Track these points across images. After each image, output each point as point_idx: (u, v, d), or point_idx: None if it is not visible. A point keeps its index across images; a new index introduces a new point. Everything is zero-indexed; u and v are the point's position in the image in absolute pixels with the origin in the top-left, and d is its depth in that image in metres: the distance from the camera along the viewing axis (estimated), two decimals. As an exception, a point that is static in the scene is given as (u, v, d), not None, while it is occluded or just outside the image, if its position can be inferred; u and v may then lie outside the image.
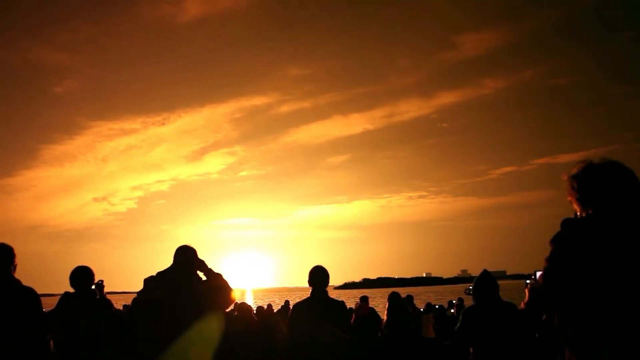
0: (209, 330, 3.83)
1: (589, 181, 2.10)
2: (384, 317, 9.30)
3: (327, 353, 4.30)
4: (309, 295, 4.59)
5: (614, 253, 1.96)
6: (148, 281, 5.42)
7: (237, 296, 4.28)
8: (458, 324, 4.47)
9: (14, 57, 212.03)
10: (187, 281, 3.96)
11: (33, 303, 3.98)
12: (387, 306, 9.11)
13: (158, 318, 3.84)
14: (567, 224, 2.15)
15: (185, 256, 4.05)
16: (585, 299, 1.97)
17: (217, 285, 4.03)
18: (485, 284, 4.45)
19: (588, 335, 1.96)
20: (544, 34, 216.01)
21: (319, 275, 4.54)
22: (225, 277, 4.13)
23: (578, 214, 2.15)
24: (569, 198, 2.17)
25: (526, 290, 2.16)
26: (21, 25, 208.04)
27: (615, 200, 2.03)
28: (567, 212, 2.26)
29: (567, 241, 2.06)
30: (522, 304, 2.26)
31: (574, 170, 2.15)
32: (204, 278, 4.07)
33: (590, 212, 2.09)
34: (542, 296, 2.12)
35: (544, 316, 2.76)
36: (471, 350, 4.39)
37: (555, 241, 2.08)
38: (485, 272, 4.55)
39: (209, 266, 4.11)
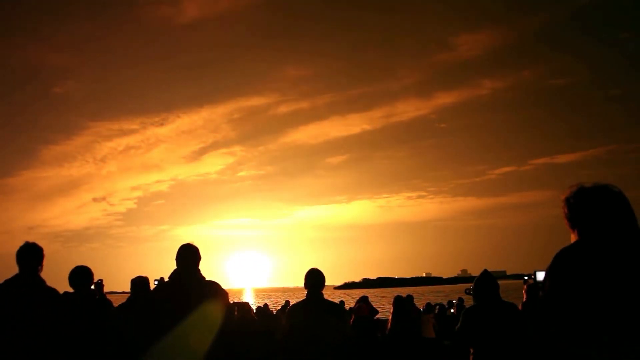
0: (209, 316, 3.86)
1: (577, 206, 2.11)
2: (388, 318, 9.31)
3: (326, 353, 4.32)
4: (304, 298, 4.61)
5: (603, 280, 1.95)
6: (137, 283, 5.45)
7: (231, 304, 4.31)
8: (458, 324, 4.46)
9: (14, 57, 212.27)
10: (189, 279, 3.97)
11: (54, 304, 4.03)
12: (391, 310, 9.12)
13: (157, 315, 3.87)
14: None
15: (188, 255, 4.06)
16: (582, 324, 1.96)
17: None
18: (486, 284, 4.45)
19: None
20: (541, 35, 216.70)
21: (313, 278, 4.56)
22: (224, 280, 4.16)
23: (572, 237, 2.15)
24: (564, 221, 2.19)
25: (523, 292, 2.16)
26: (21, 26, 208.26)
27: (603, 228, 2.04)
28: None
29: (560, 272, 2.05)
30: (520, 304, 2.26)
31: (566, 193, 2.17)
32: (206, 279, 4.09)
33: (577, 236, 2.10)
34: (542, 327, 2.10)
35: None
36: (471, 350, 4.39)
37: (550, 274, 2.08)
38: (485, 272, 4.54)
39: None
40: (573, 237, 2.15)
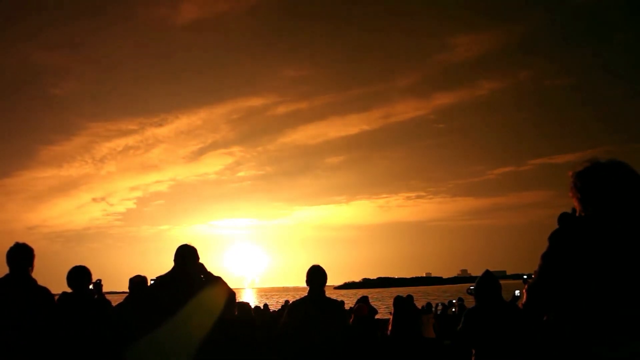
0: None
1: (592, 181, 2.05)
2: (389, 318, 9.30)
3: (326, 350, 4.31)
4: (306, 295, 4.60)
5: (612, 255, 1.93)
6: (136, 282, 5.47)
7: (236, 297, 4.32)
8: (460, 325, 4.44)
9: (12, 58, 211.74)
10: (188, 286, 3.98)
11: (46, 303, 4.05)
12: (392, 311, 9.10)
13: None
14: (565, 219, 2.12)
15: (186, 255, 4.06)
16: (579, 298, 1.95)
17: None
18: (488, 284, 4.42)
19: (582, 334, 1.94)
20: (539, 35, 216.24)
21: (315, 275, 4.54)
22: (224, 279, 4.17)
23: (577, 212, 2.11)
24: (570, 194, 2.13)
25: (524, 291, 2.14)
26: (19, 27, 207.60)
27: (617, 202, 2.00)
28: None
29: (565, 240, 2.03)
30: (519, 304, 2.25)
31: (579, 168, 2.11)
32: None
33: (590, 211, 2.05)
34: (534, 294, 2.11)
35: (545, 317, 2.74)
36: (473, 351, 4.37)
37: (554, 239, 2.06)
38: (487, 273, 4.52)
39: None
40: (577, 207, 2.11)
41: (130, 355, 3.99)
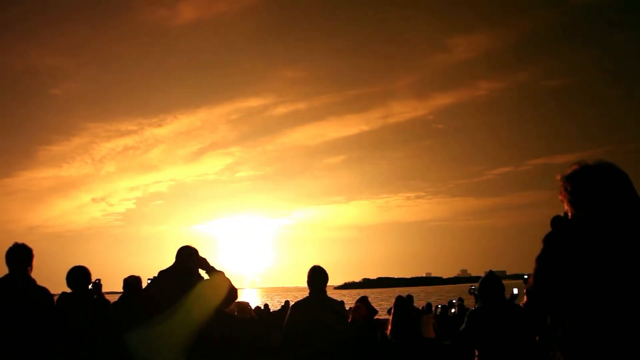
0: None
1: (583, 183, 2.07)
2: (388, 318, 9.30)
3: (323, 352, 4.31)
4: (307, 295, 4.59)
5: (606, 256, 1.94)
6: (130, 282, 5.48)
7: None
8: (463, 326, 4.42)
9: (11, 59, 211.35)
10: (188, 280, 3.98)
11: (45, 303, 4.06)
12: (392, 311, 9.10)
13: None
14: (557, 222, 2.14)
15: (187, 256, 4.07)
16: (574, 300, 1.96)
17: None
18: (492, 285, 4.41)
19: (577, 335, 1.95)
20: (537, 36, 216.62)
21: (316, 275, 4.54)
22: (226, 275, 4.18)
23: (569, 214, 2.13)
24: (560, 197, 2.15)
25: (524, 291, 2.16)
26: (18, 28, 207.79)
27: (608, 203, 2.01)
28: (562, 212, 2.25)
29: (559, 242, 2.04)
30: (520, 303, 2.26)
31: (568, 171, 2.13)
32: (206, 277, 4.10)
33: (581, 213, 2.06)
34: (531, 296, 2.11)
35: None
36: (476, 352, 4.36)
37: (547, 241, 2.07)
38: (491, 273, 4.50)
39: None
40: (568, 209, 2.13)
41: (129, 350, 4.00)
